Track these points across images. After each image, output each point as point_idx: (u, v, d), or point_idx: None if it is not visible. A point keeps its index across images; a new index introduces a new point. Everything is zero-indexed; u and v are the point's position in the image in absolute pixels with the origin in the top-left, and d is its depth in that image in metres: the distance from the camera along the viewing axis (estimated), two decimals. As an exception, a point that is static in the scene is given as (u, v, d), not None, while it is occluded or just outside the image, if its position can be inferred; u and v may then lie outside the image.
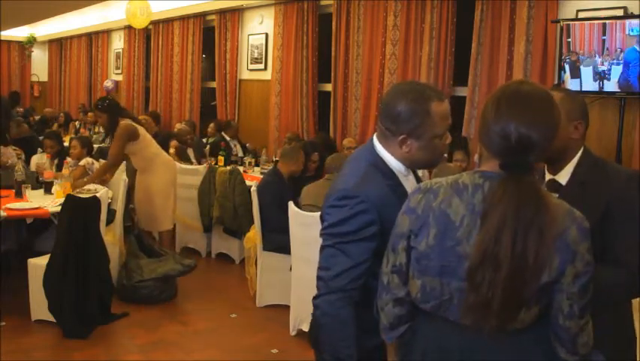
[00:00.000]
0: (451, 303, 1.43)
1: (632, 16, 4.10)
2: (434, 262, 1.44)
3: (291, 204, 3.86)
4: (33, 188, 4.69)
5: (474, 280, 1.35)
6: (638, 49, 4.01)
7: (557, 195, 1.75)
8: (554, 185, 1.80)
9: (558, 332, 1.40)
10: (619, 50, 4.10)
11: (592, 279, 1.39)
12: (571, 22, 4.36)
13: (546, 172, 1.84)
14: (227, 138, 7.14)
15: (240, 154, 7.02)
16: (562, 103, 1.73)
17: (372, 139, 1.80)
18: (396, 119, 1.67)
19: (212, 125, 8.03)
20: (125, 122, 4.98)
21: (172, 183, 5.40)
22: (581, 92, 4.11)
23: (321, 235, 1.73)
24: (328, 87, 6.78)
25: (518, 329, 1.41)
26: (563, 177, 1.80)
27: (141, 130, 5.08)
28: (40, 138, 6.55)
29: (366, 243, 1.64)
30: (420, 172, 2.08)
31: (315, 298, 1.68)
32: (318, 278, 1.68)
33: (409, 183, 1.79)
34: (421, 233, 1.46)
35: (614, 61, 4.12)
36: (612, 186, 1.70)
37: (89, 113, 10.79)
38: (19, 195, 4.52)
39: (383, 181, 1.70)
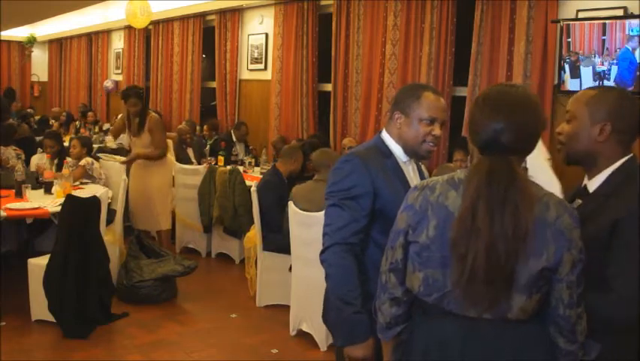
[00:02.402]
0: (453, 294, 1.46)
1: (632, 16, 4.10)
2: (435, 253, 1.48)
3: (291, 204, 3.86)
4: (33, 188, 4.68)
5: (458, 253, 1.41)
6: (630, 48, 4.01)
7: (580, 203, 1.71)
8: (583, 191, 1.73)
9: (559, 321, 1.45)
10: (619, 50, 4.10)
11: (584, 267, 1.44)
12: (571, 22, 4.36)
13: (585, 177, 1.75)
14: (234, 139, 7.12)
15: (241, 156, 7.00)
16: (588, 102, 1.69)
17: (380, 131, 2.08)
18: (396, 101, 2.03)
19: (205, 126, 8.03)
20: (155, 114, 5.25)
21: (171, 183, 5.47)
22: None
23: (326, 197, 1.95)
24: (328, 87, 6.78)
25: (521, 320, 1.44)
26: (593, 184, 1.70)
27: None
28: (41, 138, 6.56)
29: (362, 200, 1.88)
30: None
31: (321, 253, 1.89)
32: (324, 234, 1.90)
33: (409, 172, 2.02)
34: (420, 226, 1.51)
35: (614, 61, 4.12)
36: (626, 206, 1.58)
37: (89, 113, 10.81)
38: (19, 195, 4.52)
39: (382, 158, 1.97)
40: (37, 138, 7.17)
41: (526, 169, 1.61)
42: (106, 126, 10.05)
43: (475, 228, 1.38)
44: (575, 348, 1.46)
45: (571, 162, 1.76)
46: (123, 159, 5.42)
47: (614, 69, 4.12)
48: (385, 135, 2.03)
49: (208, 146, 7.39)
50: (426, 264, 1.49)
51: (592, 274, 1.56)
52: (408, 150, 2.00)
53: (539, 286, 1.42)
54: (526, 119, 1.47)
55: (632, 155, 1.70)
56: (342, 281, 1.82)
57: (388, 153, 1.99)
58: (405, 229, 1.54)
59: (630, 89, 4.02)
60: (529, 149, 1.51)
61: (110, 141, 7.80)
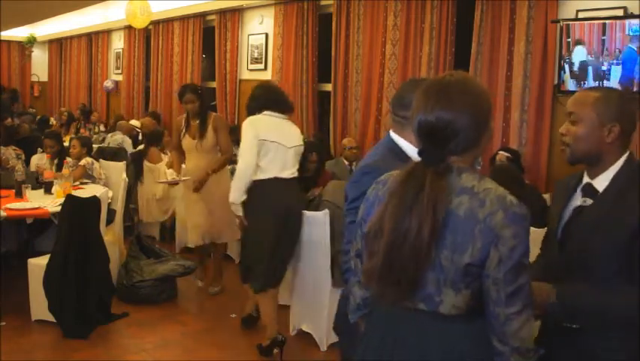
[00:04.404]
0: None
1: (632, 16, 4.10)
2: None
3: (291, 204, 3.86)
4: (33, 188, 4.69)
5: (370, 249, 1.46)
6: (634, 47, 4.01)
7: (592, 202, 1.75)
8: (590, 190, 1.77)
9: (490, 319, 1.43)
10: (617, 50, 4.10)
11: (520, 268, 1.38)
12: (571, 22, 4.36)
13: (585, 175, 1.80)
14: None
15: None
16: (595, 104, 1.72)
17: (388, 133, 1.95)
18: (406, 103, 1.82)
19: None
20: (218, 114, 4.69)
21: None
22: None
23: (345, 213, 1.88)
24: (328, 87, 6.77)
25: (457, 315, 1.43)
26: (601, 183, 1.75)
27: None
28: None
29: None
30: None
31: (343, 272, 1.83)
32: (344, 252, 1.83)
33: None
34: (368, 219, 1.55)
35: (614, 61, 4.12)
36: None
37: (94, 114, 10.81)
38: (19, 195, 4.52)
39: (399, 163, 1.76)
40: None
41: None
42: (103, 127, 10.05)
43: (381, 229, 1.42)
44: (507, 350, 1.40)
45: (575, 162, 1.79)
46: (187, 178, 4.58)
47: (614, 69, 4.12)
48: (397, 138, 1.93)
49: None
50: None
51: (620, 270, 1.65)
52: None
53: (467, 282, 1.41)
54: (460, 107, 1.43)
55: (629, 151, 1.76)
56: None
57: (405, 157, 1.87)
58: (360, 221, 1.61)
59: (635, 89, 4.02)
60: (472, 144, 1.46)
61: (110, 140, 7.79)
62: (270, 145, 3.58)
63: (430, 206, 1.38)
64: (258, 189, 3.58)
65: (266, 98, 3.69)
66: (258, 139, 3.53)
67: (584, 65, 4.29)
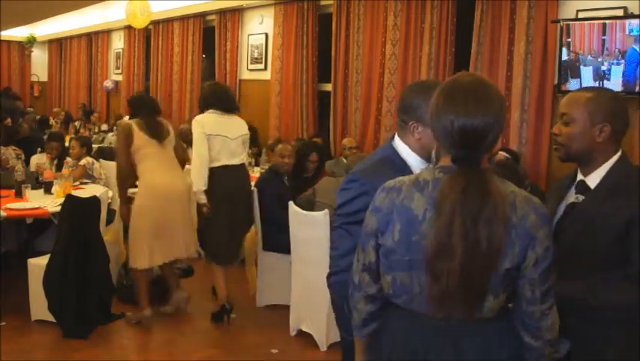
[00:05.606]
0: (422, 296, 1.46)
1: (632, 16, 4.10)
2: (402, 256, 1.47)
3: (291, 203, 3.86)
4: (33, 188, 4.69)
5: (434, 272, 1.40)
6: (637, 48, 4.01)
7: (583, 198, 1.78)
8: (583, 186, 1.81)
9: (522, 317, 1.45)
10: (617, 50, 4.10)
11: (552, 265, 1.43)
12: (571, 22, 4.36)
13: (578, 173, 1.84)
14: None
15: None
16: (587, 105, 1.76)
17: (393, 136, 1.91)
18: (408, 109, 1.82)
19: None
20: (124, 120, 4.18)
21: (151, 215, 3.96)
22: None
23: (334, 218, 1.86)
24: (328, 87, 6.78)
25: (485, 318, 1.44)
26: (592, 180, 1.79)
27: (137, 133, 3.96)
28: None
29: None
30: None
31: (328, 276, 1.82)
32: (330, 257, 1.82)
33: None
34: (387, 230, 1.50)
35: (614, 61, 4.12)
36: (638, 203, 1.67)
37: (95, 114, 10.81)
38: (19, 195, 4.52)
39: (391, 171, 1.71)
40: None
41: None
42: (104, 127, 10.06)
43: (450, 247, 1.36)
44: (540, 345, 1.45)
45: (568, 160, 1.84)
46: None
47: (615, 69, 4.12)
48: (399, 144, 1.85)
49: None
50: (393, 267, 1.49)
51: (610, 267, 1.69)
52: (433, 157, 1.86)
53: (505, 286, 1.43)
54: (491, 110, 1.42)
55: (621, 150, 1.81)
56: (345, 313, 1.74)
57: (402, 166, 1.81)
58: (375, 232, 1.53)
59: (638, 89, 4.02)
60: (495, 144, 1.50)
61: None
62: (216, 138, 4.04)
63: (500, 212, 1.36)
64: (212, 177, 4.01)
65: (211, 97, 4.19)
66: (205, 134, 3.99)
67: (565, 65, 4.36)
